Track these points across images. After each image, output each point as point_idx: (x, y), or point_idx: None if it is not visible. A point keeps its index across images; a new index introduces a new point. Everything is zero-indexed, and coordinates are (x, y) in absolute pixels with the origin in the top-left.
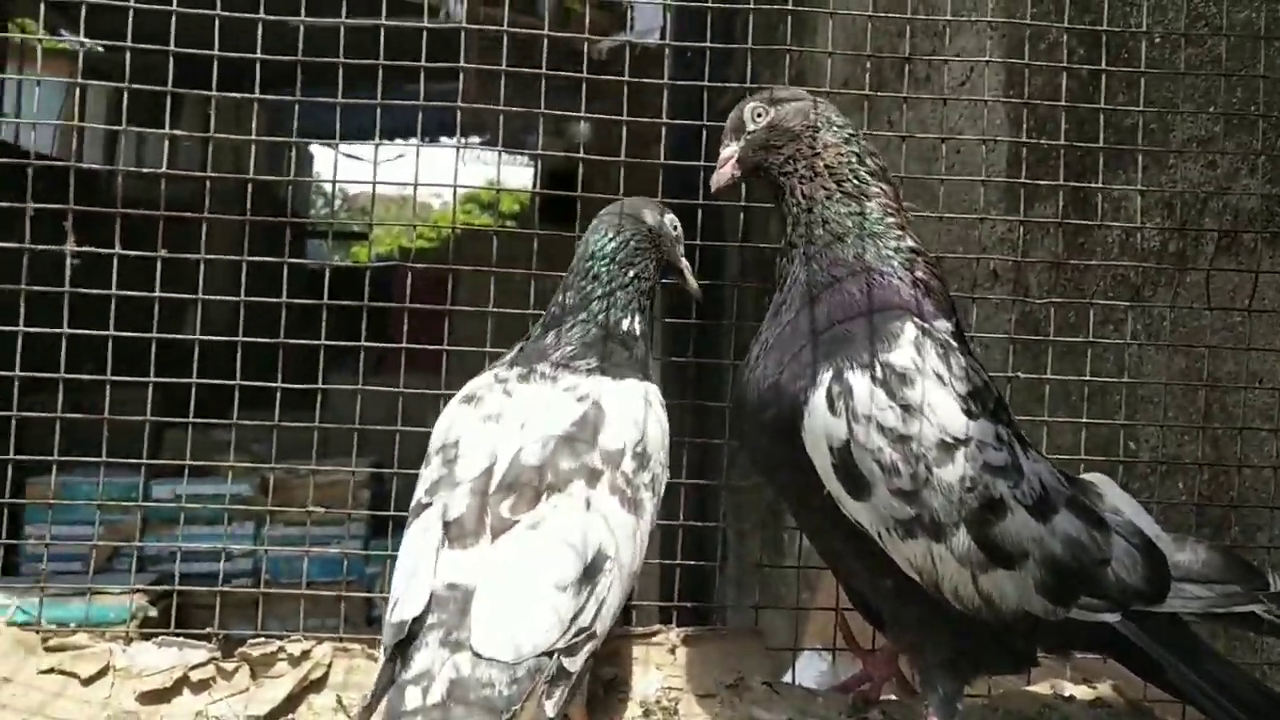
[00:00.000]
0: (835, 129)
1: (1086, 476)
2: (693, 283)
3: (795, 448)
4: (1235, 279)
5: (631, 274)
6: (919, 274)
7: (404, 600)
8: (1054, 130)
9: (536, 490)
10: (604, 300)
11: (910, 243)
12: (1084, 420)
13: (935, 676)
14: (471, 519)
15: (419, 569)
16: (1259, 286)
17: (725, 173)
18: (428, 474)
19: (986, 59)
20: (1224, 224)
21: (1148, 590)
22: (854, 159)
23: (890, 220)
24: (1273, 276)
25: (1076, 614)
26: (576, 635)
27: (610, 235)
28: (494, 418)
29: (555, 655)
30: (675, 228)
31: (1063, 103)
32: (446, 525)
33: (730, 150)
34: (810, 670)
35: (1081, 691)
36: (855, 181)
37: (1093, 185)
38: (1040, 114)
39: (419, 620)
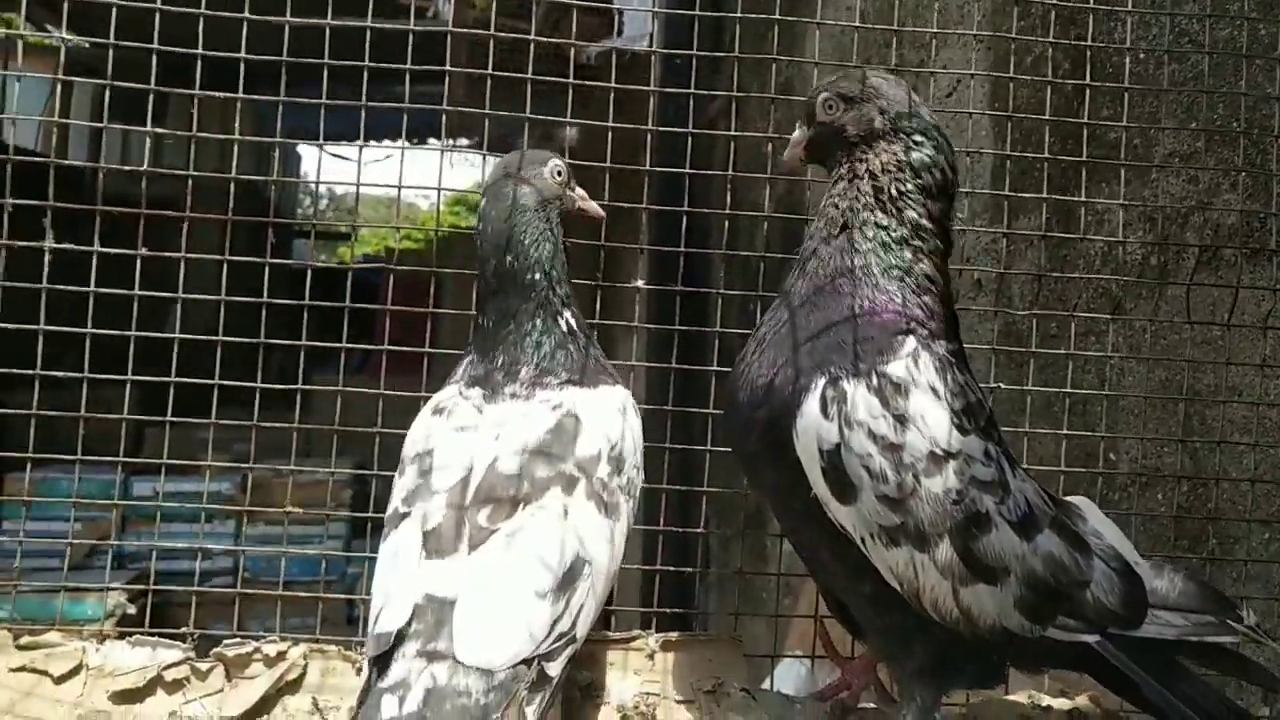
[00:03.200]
0: (899, 143)
1: (1070, 499)
2: (593, 207)
3: (785, 448)
4: (1215, 293)
5: (547, 253)
6: (927, 299)
7: (386, 612)
8: (1038, 143)
9: (513, 499)
10: (534, 301)
11: (927, 268)
12: (1065, 432)
13: (913, 686)
14: (449, 529)
15: (400, 580)
16: (1238, 301)
17: (791, 155)
18: (404, 483)
19: (972, 72)
20: (1204, 239)
21: (1125, 614)
22: (908, 171)
23: (917, 244)
24: (1252, 291)
25: (1053, 633)
26: (556, 640)
27: (508, 226)
28: (466, 429)
29: (535, 661)
30: (559, 173)
31: (1047, 116)
32: (425, 535)
33: (798, 135)
34: (789, 677)
35: (1059, 702)
36: (895, 195)
37: (1076, 198)
38: (1025, 127)
39: (403, 630)
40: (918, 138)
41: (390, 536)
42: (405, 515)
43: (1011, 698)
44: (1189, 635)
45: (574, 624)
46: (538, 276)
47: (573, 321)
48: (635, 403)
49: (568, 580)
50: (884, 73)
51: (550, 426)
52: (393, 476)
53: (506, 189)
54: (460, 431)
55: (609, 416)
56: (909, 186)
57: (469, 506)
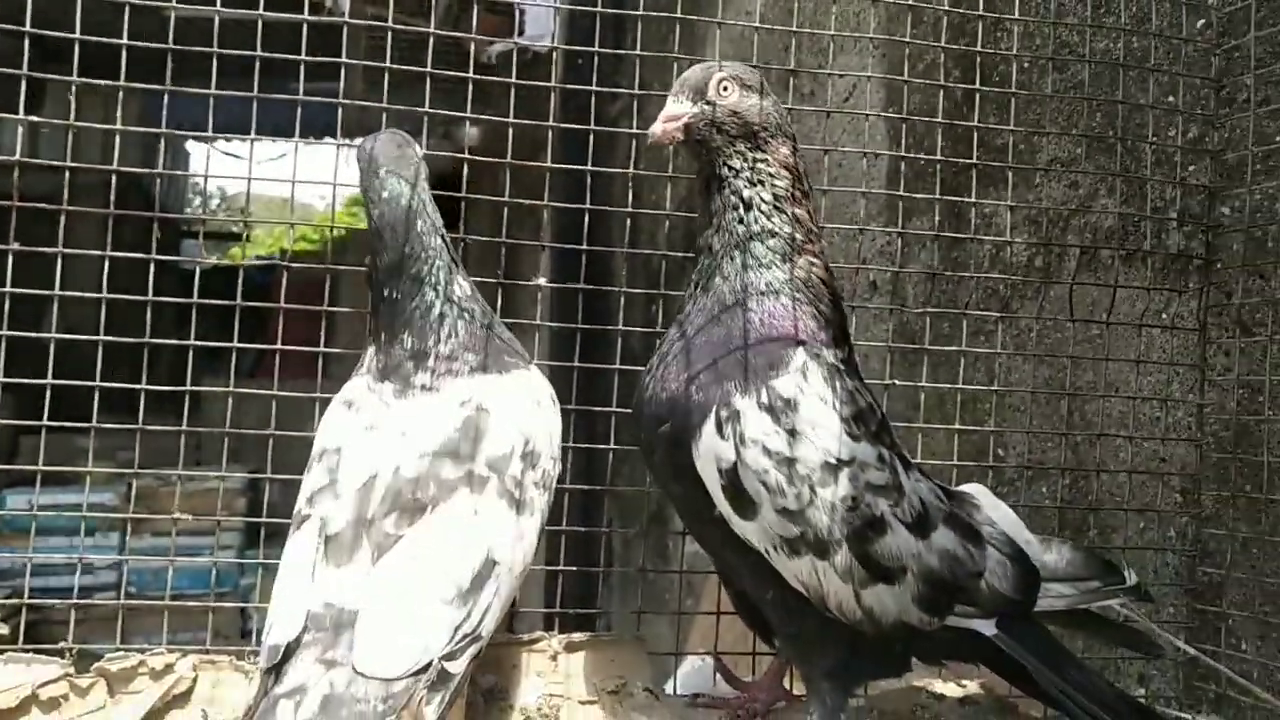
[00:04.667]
0: (787, 139)
1: (965, 488)
2: None
3: (688, 465)
4: (1094, 293)
5: (439, 224)
6: (822, 306)
7: (279, 623)
8: (931, 147)
9: (420, 503)
10: (432, 274)
11: (820, 273)
12: (957, 427)
13: (821, 686)
14: (351, 535)
15: (296, 589)
16: (1116, 300)
17: (669, 130)
18: (310, 481)
19: (868, 75)
20: (1084, 240)
21: (1019, 597)
22: (796, 174)
23: (810, 247)
24: (1128, 291)
25: (952, 621)
26: (460, 640)
27: (404, 193)
28: (375, 428)
29: (435, 661)
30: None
31: (939, 119)
32: (326, 541)
33: (681, 110)
34: (692, 675)
35: (951, 689)
36: (791, 199)
37: (966, 200)
38: (918, 131)
39: (295, 641)
40: (794, 143)
41: (292, 538)
42: (307, 518)
43: (907, 687)
44: (1079, 603)
45: (479, 623)
46: (437, 241)
47: (466, 286)
48: (550, 387)
49: (475, 585)
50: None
51: (458, 424)
52: (286, 481)
53: (397, 155)
54: (368, 430)
55: (522, 409)
56: (797, 190)
57: (375, 512)
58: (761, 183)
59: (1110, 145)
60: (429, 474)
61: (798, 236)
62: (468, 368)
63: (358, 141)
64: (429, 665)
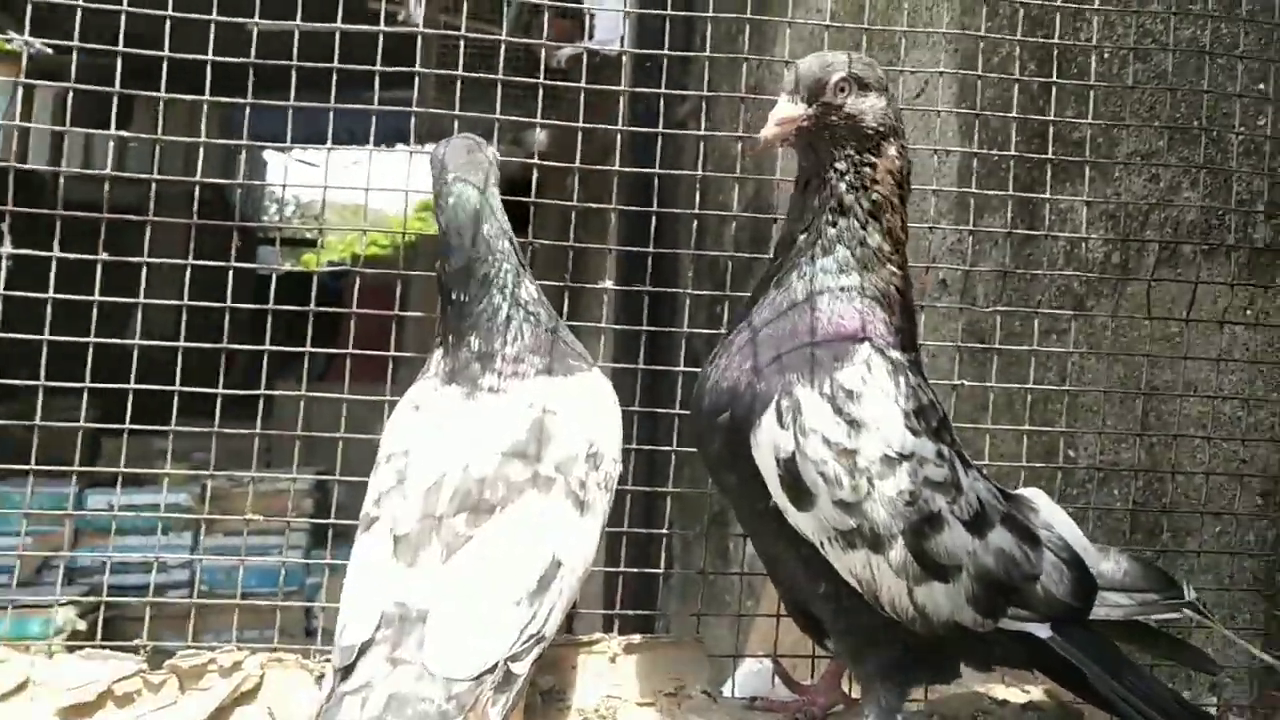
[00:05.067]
0: (897, 139)
1: (1022, 491)
2: None
3: (745, 455)
4: (1174, 289)
5: (507, 228)
6: (894, 317)
7: (353, 622)
8: (1004, 142)
9: (488, 503)
10: (499, 277)
11: (898, 284)
12: (1026, 428)
13: (875, 685)
14: (422, 536)
15: (368, 589)
16: (1196, 298)
17: (782, 133)
18: (377, 483)
19: (940, 70)
20: (1164, 236)
21: (1074, 603)
22: (899, 179)
23: (895, 258)
24: (1209, 288)
25: (1005, 624)
26: (525, 642)
27: (472, 197)
28: (442, 429)
29: (502, 661)
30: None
31: (1013, 114)
32: (396, 541)
33: (795, 112)
34: (751, 678)
35: (1014, 695)
36: (890, 207)
37: (1040, 196)
38: (991, 126)
39: (369, 640)
40: (903, 143)
41: (361, 539)
42: (376, 519)
43: (969, 691)
44: (1136, 614)
45: (544, 625)
46: (504, 245)
47: (533, 290)
48: (612, 389)
49: (541, 586)
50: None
51: (526, 426)
52: (355, 484)
53: (470, 154)
54: (437, 431)
55: (586, 411)
56: (896, 198)
57: (444, 512)
58: (864, 188)
59: (1194, 136)
60: (497, 475)
61: (885, 248)
62: (533, 370)
63: (429, 147)
64: (495, 666)
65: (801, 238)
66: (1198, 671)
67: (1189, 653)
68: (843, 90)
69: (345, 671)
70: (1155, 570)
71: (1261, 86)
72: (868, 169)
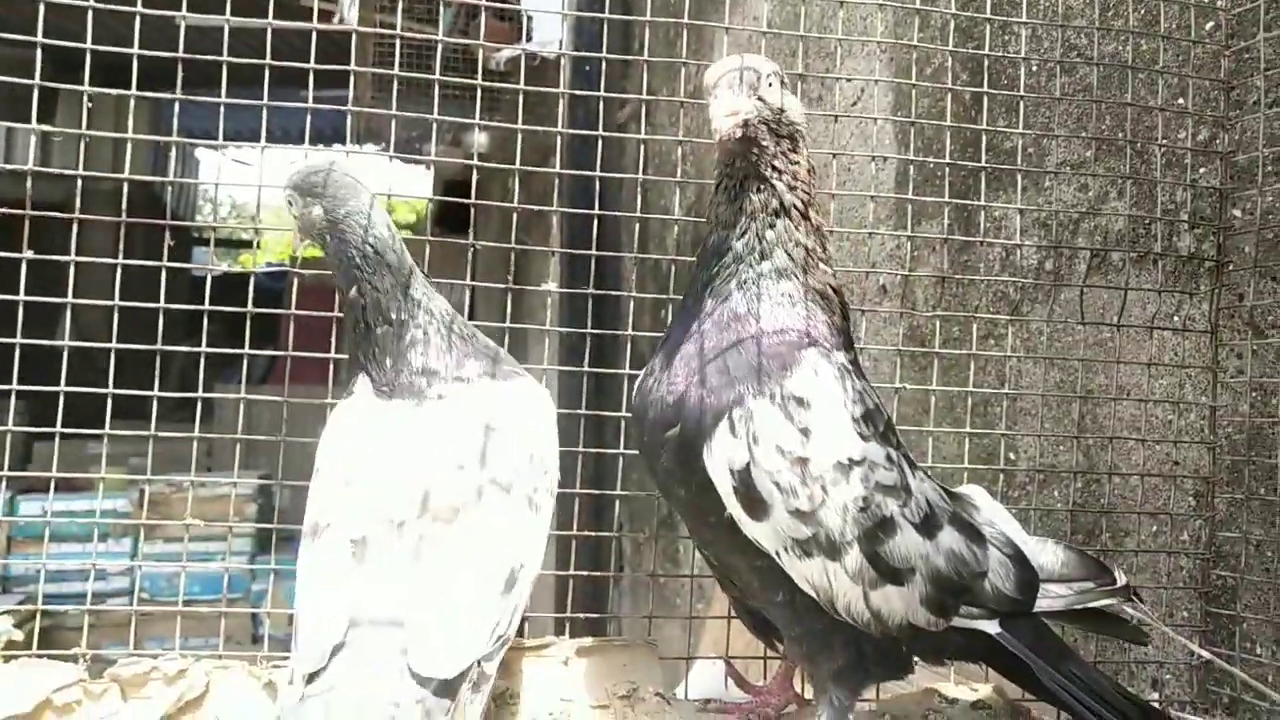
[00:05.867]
0: (802, 140)
1: (962, 489)
2: None
3: (697, 468)
4: (1105, 296)
5: (403, 249)
6: (835, 317)
7: (320, 627)
8: (939, 150)
9: (451, 507)
10: (417, 298)
11: (832, 283)
12: (967, 430)
13: (829, 687)
14: (384, 540)
15: (331, 594)
16: (1127, 304)
17: (736, 121)
18: (323, 491)
19: (876, 78)
20: (1095, 243)
21: (1020, 597)
22: (810, 183)
23: (824, 257)
24: (1139, 294)
25: (957, 622)
26: (496, 642)
27: (375, 211)
28: (393, 437)
29: (477, 662)
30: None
31: (948, 123)
32: (356, 546)
33: (746, 106)
34: (704, 679)
35: (963, 694)
36: (815, 207)
37: (975, 203)
38: (926, 134)
39: (339, 644)
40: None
41: (312, 548)
42: (327, 525)
43: (919, 691)
44: (1074, 603)
45: (509, 625)
46: (409, 266)
47: (445, 304)
48: (548, 395)
49: (507, 587)
50: None
51: (479, 431)
52: (298, 488)
53: (352, 190)
54: (385, 440)
55: (532, 417)
56: (811, 198)
57: (405, 516)
58: (796, 188)
59: (1120, 148)
60: (455, 479)
61: (818, 248)
62: (476, 375)
63: (368, 147)
64: (472, 665)
65: (738, 244)
66: (1134, 644)
67: (1125, 628)
68: (771, 85)
69: (313, 676)
70: (1089, 559)
71: (1181, 101)
72: (796, 168)
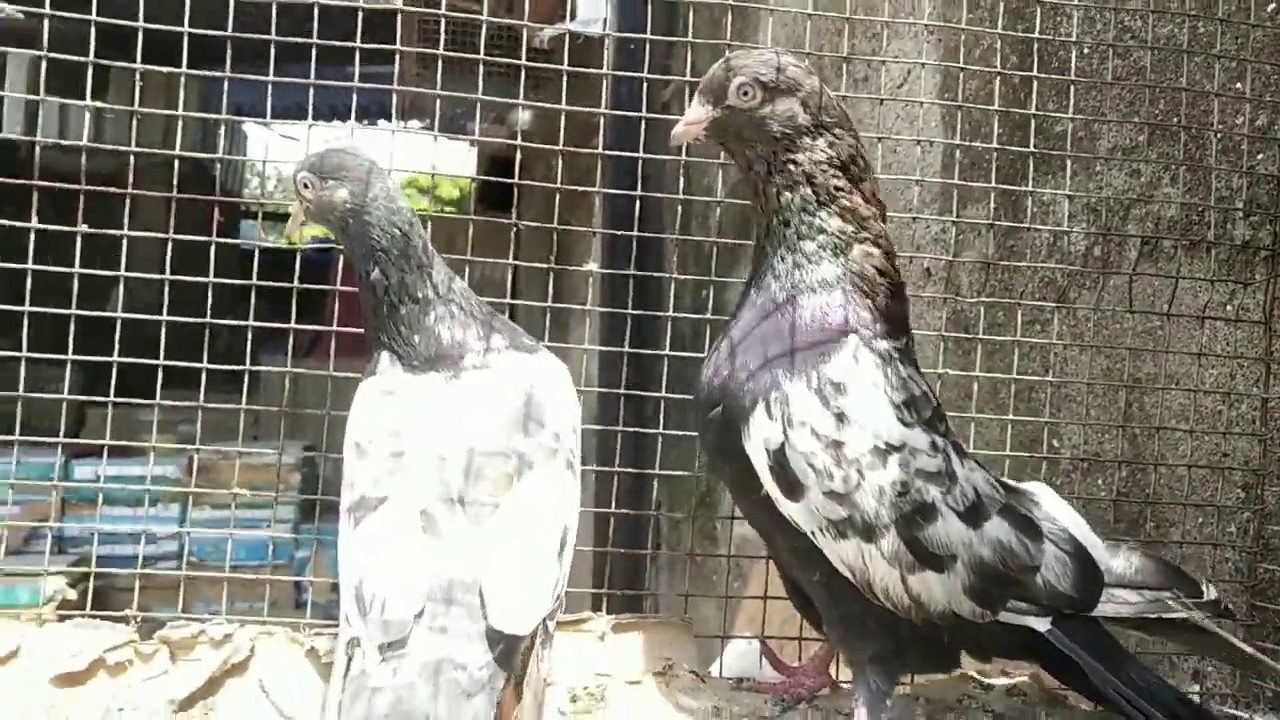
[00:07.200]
0: (825, 132)
1: (1027, 485)
2: None
3: (737, 447)
4: (1155, 284)
5: (424, 233)
6: (878, 299)
7: (397, 596)
8: (987, 134)
9: (505, 474)
10: (430, 268)
11: (876, 262)
12: (1010, 417)
13: (866, 671)
14: (446, 509)
15: (405, 563)
16: (1177, 292)
17: (690, 133)
18: (371, 465)
19: (922, 61)
20: (1145, 230)
21: (1078, 596)
22: (839, 166)
23: (866, 235)
24: (1190, 283)
25: (1005, 617)
26: (556, 600)
27: (393, 195)
28: (434, 409)
29: (543, 621)
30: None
31: (995, 107)
32: (421, 515)
33: (702, 114)
34: (738, 658)
35: (1000, 681)
36: (837, 192)
37: (1023, 188)
38: (974, 117)
39: (419, 613)
40: (838, 130)
41: (365, 521)
42: (384, 499)
43: (954, 676)
44: (1146, 612)
45: (564, 586)
46: (429, 247)
47: (460, 280)
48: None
49: (561, 546)
50: (792, 56)
51: (521, 399)
52: (341, 459)
53: (371, 162)
54: (427, 412)
55: (561, 385)
56: (842, 181)
57: (462, 486)
58: (796, 185)
59: (1174, 133)
60: (505, 447)
61: (848, 229)
62: (502, 346)
63: (413, 124)
64: (542, 622)
65: (765, 240)
66: (1221, 660)
67: (1209, 643)
68: (745, 94)
69: (394, 645)
70: (1171, 569)
71: (1238, 85)
72: (792, 167)
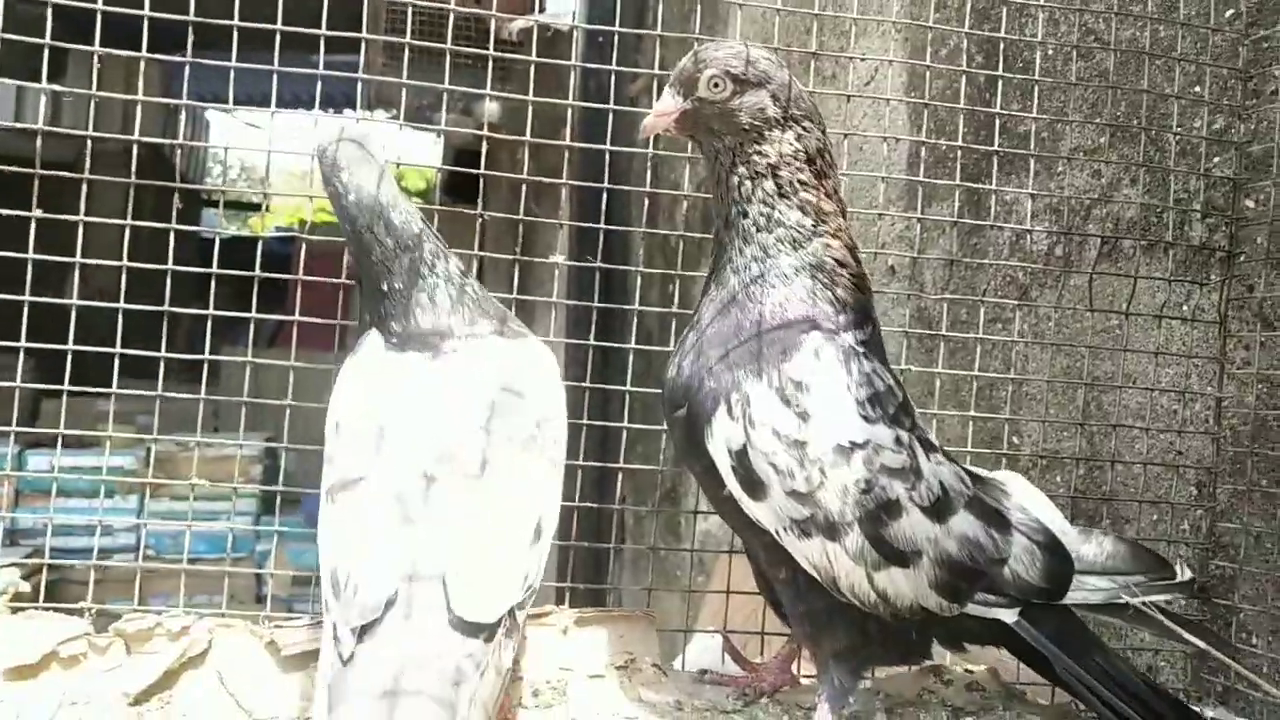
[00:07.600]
0: (793, 124)
1: (996, 474)
2: None
3: (702, 446)
4: (1115, 283)
5: (416, 213)
6: (839, 290)
7: (369, 580)
8: (952, 132)
9: (480, 459)
10: (428, 259)
11: (837, 254)
12: (971, 414)
13: (831, 667)
14: (421, 492)
15: (377, 546)
16: (1136, 292)
17: (659, 124)
18: (349, 448)
19: (890, 59)
20: (1106, 230)
21: (1048, 586)
22: (805, 158)
23: (826, 228)
24: (1149, 282)
25: (973, 609)
26: (526, 590)
27: (380, 176)
28: (414, 391)
29: (510, 610)
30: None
31: (961, 105)
32: (398, 499)
33: (671, 106)
34: (702, 652)
35: (958, 674)
36: (800, 186)
37: (986, 187)
38: (939, 116)
39: (392, 597)
40: (806, 124)
41: (341, 501)
42: (361, 479)
43: (915, 671)
44: (1117, 598)
45: (536, 577)
46: (419, 227)
47: (458, 264)
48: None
49: (535, 535)
50: (763, 49)
51: (500, 385)
52: (303, 451)
53: (365, 144)
54: (406, 394)
55: (544, 373)
56: (807, 175)
57: (436, 469)
58: (760, 176)
59: (1134, 135)
60: (480, 433)
61: (807, 222)
62: (488, 332)
63: (378, 114)
64: (509, 611)
65: (724, 233)
66: (1219, 650)
67: (1181, 628)
68: (716, 86)
69: (365, 629)
70: (1146, 552)
71: (1197, 89)
72: (758, 158)
